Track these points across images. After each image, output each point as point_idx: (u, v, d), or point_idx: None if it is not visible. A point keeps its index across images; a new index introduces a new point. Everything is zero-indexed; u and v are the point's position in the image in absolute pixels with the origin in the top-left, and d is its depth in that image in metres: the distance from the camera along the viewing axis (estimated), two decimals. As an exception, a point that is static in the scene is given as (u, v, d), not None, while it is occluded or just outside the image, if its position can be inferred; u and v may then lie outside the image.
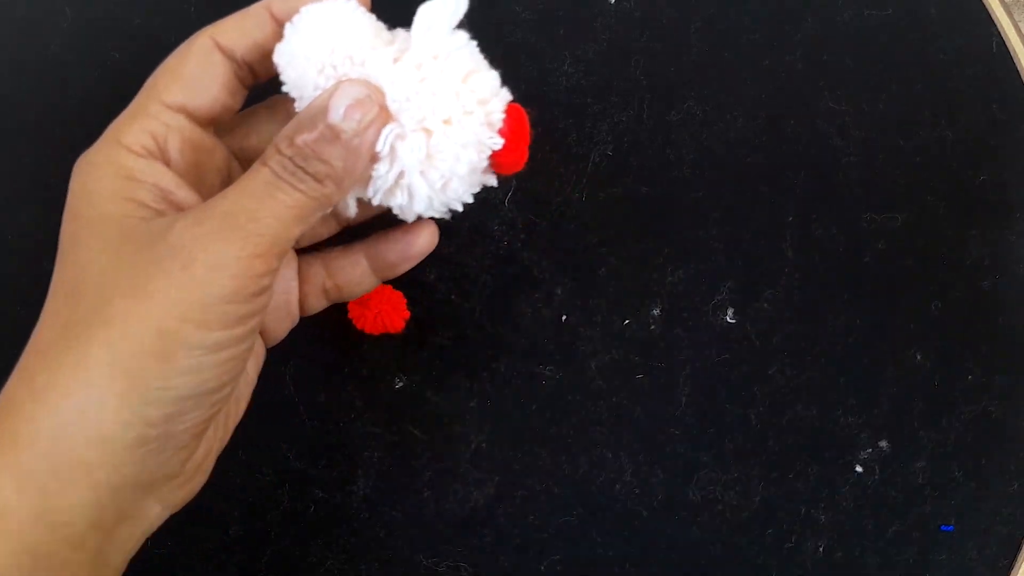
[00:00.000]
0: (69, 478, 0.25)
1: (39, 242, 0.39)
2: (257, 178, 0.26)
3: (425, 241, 0.32)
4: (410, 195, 0.28)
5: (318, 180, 0.26)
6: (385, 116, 0.27)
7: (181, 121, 0.28)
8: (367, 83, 0.27)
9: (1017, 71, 0.41)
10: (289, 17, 0.28)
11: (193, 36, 0.28)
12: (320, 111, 0.26)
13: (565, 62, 0.40)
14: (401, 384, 0.39)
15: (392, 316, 0.37)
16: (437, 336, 0.39)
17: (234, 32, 0.28)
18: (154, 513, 0.27)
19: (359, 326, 0.37)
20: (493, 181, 0.30)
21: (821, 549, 0.40)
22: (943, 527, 0.40)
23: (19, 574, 0.24)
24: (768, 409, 0.40)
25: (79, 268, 0.26)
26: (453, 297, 0.39)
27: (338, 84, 0.27)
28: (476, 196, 0.37)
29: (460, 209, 0.30)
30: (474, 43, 0.29)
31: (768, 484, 0.39)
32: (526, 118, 0.30)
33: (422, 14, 0.27)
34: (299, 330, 0.37)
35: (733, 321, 0.40)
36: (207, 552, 0.38)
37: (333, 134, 0.26)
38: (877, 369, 0.40)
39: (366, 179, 0.28)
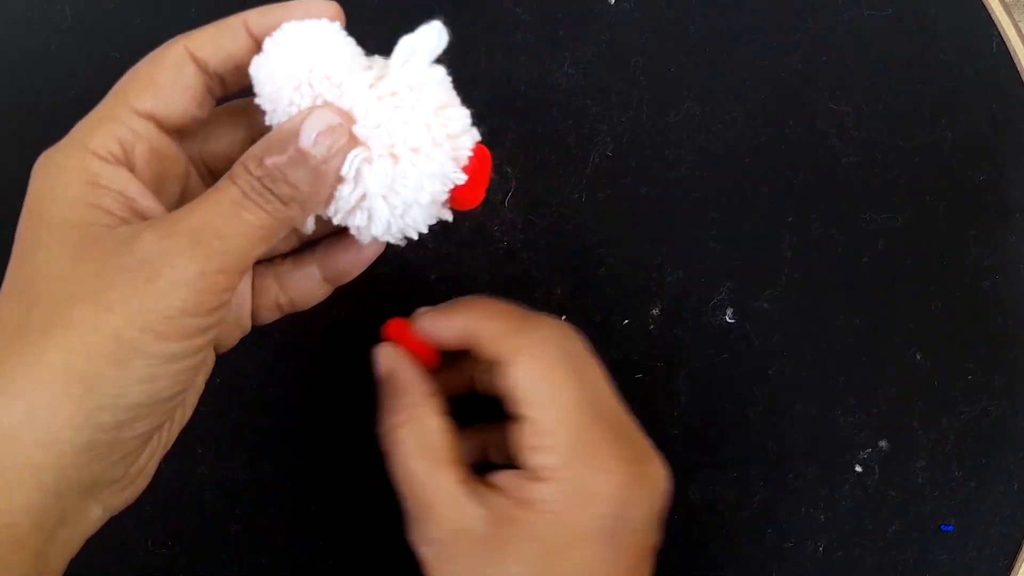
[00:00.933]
0: (15, 479, 0.25)
1: (39, 242, 0.39)
2: (225, 196, 0.26)
3: (375, 246, 0.33)
4: (370, 217, 0.29)
5: (284, 202, 0.27)
6: (353, 143, 0.27)
7: (149, 129, 0.28)
8: (339, 110, 0.27)
9: (1017, 71, 0.41)
10: (266, 33, 0.28)
11: (166, 44, 0.28)
12: (291, 134, 0.26)
13: (565, 63, 0.40)
14: (401, 384, 0.39)
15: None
16: (437, 336, 0.39)
17: (209, 44, 0.28)
18: (95, 516, 0.27)
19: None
20: (448, 216, 0.31)
21: (821, 549, 0.40)
22: (943, 527, 0.40)
23: None
24: (768, 409, 0.40)
25: (36, 271, 0.26)
26: (453, 297, 0.39)
27: (311, 109, 0.27)
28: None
29: (415, 237, 0.30)
30: (449, 78, 0.29)
31: (768, 484, 0.39)
32: (490, 159, 0.31)
33: (403, 44, 0.28)
34: (299, 330, 0.37)
35: (732, 321, 0.40)
36: (207, 552, 0.38)
37: (302, 158, 0.26)
38: (877, 369, 0.40)
39: (329, 199, 0.28)
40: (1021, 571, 0.40)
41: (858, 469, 0.40)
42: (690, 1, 0.41)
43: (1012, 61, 0.41)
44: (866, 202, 0.40)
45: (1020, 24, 0.42)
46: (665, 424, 0.39)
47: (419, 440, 0.31)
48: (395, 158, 0.28)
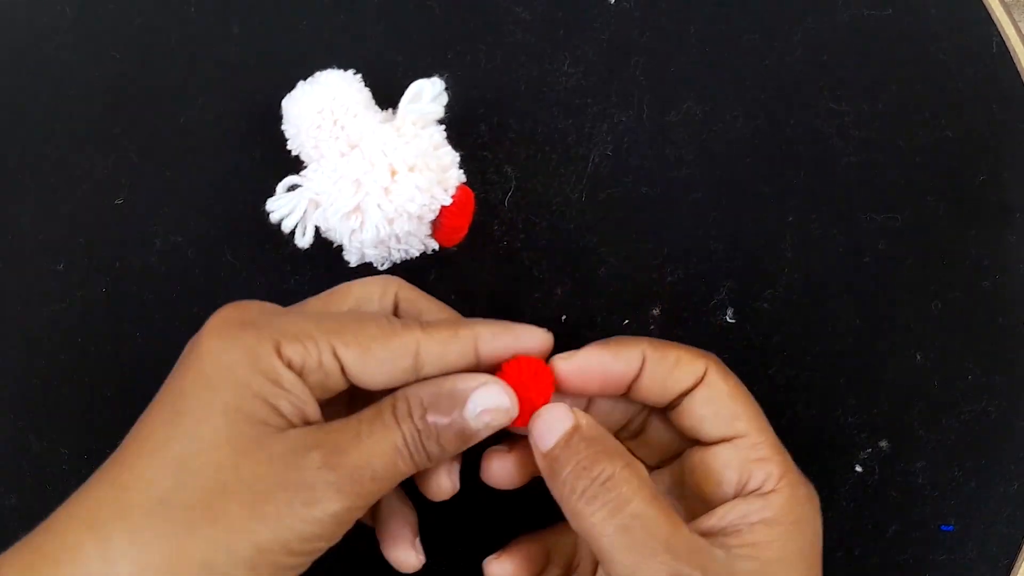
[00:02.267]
0: None
1: (39, 242, 0.39)
2: (388, 440, 0.28)
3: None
4: (362, 221, 0.33)
5: (430, 459, 0.28)
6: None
7: (337, 371, 0.28)
8: (510, 393, 0.29)
9: (1017, 71, 0.41)
10: (491, 353, 0.30)
11: (404, 327, 0.29)
12: (460, 398, 0.28)
13: (565, 62, 0.40)
14: (401, 384, 0.39)
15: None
16: (437, 336, 0.39)
17: (437, 350, 0.29)
18: None
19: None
20: (435, 245, 0.36)
21: (821, 549, 0.40)
22: (943, 527, 0.40)
23: None
24: (768, 409, 0.40)
25: (197, 446, 0.27)
26: (453, 297, 0.39)
27: (485, 379, 0.29)
28: (477, 196, 0.37)
29: (397, 259, 0.36)
30: (443, 127, 0.36)
31: (768, 484, 0.39)
32: (473, 200, 0.35)
33: (413, 87, 0.35)
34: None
35: (733, 321, 0.40)
36: (207, 552, 0.38)
37: (460, 427, 0.28)
38: (877, 369, 0.40)
39: (333, 200, 0.34)
40: (1021, 571, 0.40)
41: (858, 469, 0.40)
42: (690, 1, 0.41)
43: (1012, 61, 0.41)
44: (866, 202, 0.40)
45: (1020, 24, 0.42)
46: (665, 424, 0.39)
47: (656, 501, 0.29)
48: (393, 172, 0.33)
